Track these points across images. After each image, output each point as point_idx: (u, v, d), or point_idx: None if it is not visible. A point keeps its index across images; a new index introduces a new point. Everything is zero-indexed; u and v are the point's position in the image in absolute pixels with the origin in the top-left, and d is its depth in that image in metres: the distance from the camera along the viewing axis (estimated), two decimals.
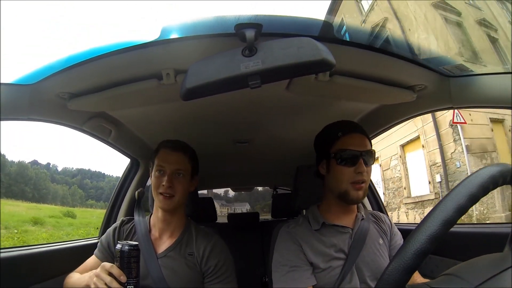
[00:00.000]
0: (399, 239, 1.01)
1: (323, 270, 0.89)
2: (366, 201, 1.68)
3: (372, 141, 1.01)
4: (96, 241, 1.29)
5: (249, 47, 0.62)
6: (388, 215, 1.16)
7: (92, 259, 1.05)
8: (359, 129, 0.96)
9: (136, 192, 1.24)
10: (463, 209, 0.43)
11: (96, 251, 1.07)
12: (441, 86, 0.94)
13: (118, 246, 0.81)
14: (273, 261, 0.95)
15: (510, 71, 0.84)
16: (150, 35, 0.73)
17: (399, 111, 1.16)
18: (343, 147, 0.92)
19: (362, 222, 0.96)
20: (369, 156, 0.92)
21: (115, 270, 0.78)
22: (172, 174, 1.01)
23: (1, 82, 0.82)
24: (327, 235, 0.94)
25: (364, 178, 0.90)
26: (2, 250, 0.99)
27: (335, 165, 0.93)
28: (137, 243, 0.84)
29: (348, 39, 0.76)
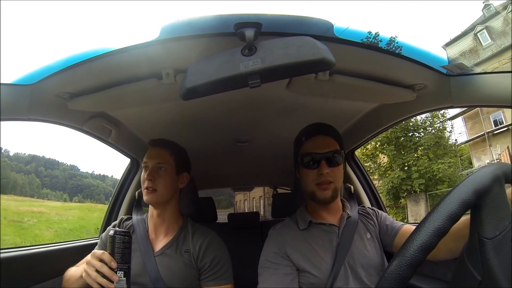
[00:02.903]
0: (385, 218, 1.03)
1: (311, 271, 0.90)
2: (365, 198, 1.68)
3: None
4: (95, 241, 1.29)
5: (248, 46, 0.62)
6: (381, 209, 1.17)
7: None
8: (323, 131, 0.98)
9: (137, 192, 1.24)
10: (498, 179, 0.43)
11: (96, 247, 1.07)
12: (441, 85, 0.94)
13: (110, 232, 0.82)
14: (259, 262, 0.97)
15: (510, 70, 0.84)
16: (149, 34, 0.73)
17: (399, 110, 1.15)
18: (305, 151, 0.96)
19: (348, 220, 0.98)
20: (333, 157, 0.94)
21: (106, 256, 0.79)
22: (153, 168, 1.03)
23: (1, 82, 0.82)
24: (314, 234, 0.96)
25: (329, 179, 0.92)
26: (1, 250, 0.99)
27: (301, 168, 0.97)
28: (128, 230, 0.84)
29: (348, 38, 0.76)
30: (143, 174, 1.04)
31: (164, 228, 1.06)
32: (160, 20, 0.71)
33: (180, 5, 0.71)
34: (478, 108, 13.98)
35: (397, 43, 0.83)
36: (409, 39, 0.85)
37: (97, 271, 0.78)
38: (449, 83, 0.93)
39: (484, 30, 12.09)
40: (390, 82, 0.95)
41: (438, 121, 13.00)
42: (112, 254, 0.80)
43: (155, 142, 1.08)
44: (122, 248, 0.81)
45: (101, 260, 0.79)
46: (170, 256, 1.01)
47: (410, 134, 12.57)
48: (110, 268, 0.79)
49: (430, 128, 12.80)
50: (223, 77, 0.62)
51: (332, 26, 0.72)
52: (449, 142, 13.10)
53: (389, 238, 0.97)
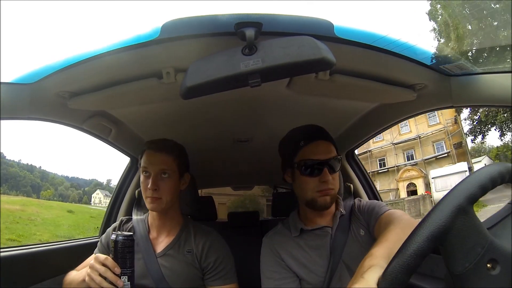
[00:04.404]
0: (369, 211, 0.94)
1: (304, 277, 0.89)
2: (365, 197, 1.68)
3: None
4: (95, 240, 1.29)
5: (249, 45, 0.62)
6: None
7: (92, 258, 1.06)
8: (323, 136, 0.93)
9: (137, 191, 1.24)
10: (462, 209, 0.43)
11: (96, 250, 1.07)
12: (441, 85, 0.94)
13: (113, 236, 0.81)
14: (261, 270, 0.96)
15: (511, 70, 0.84)
16: (150, 33, 0.72)
17: (399, 110, 1.15)
18: (306, 157, 0.89)
19: (341, 219, 0.94)
20: (334, 164, 0.90)
21: (109, 261, 0.78)
22: (157, 175, 0.97)
23: (1, 81, 0.82)
24: (307, 239, 0.94)
25: (330, 186, 0.88)
26: (1, 250, 1.00)
27: (299, 175, 0.91)
28: (131, 233, 0.84)
29: (348, 38, 0.75)
30: (144, 180, 0.99)
31: (166, 229, 1.06)
32: (161, 19, 0.71)
33: (181, 4, 0.71)
34: (368, 153, 21.25)
35: (397, 42, 0.83)
36: (409, 39, 0.85)
37: (101, 275, 0.78)
38: (449, 83, 0.93)
39: None
40: (391, 82, 0.95)
41: None
42: (115, 258, 0.79)
43: (155, 146, 1.00)
44: (126, 252, 0.79)
45: (104, 265, 0.78)
46: (173, 256, 1.01)
47: None
48: (114, 273, 0.78)
49: None
50: (224, 76, 0.62)
51: (332, 26, 0.72)
52: None
53: (373, 230, 0.90)
